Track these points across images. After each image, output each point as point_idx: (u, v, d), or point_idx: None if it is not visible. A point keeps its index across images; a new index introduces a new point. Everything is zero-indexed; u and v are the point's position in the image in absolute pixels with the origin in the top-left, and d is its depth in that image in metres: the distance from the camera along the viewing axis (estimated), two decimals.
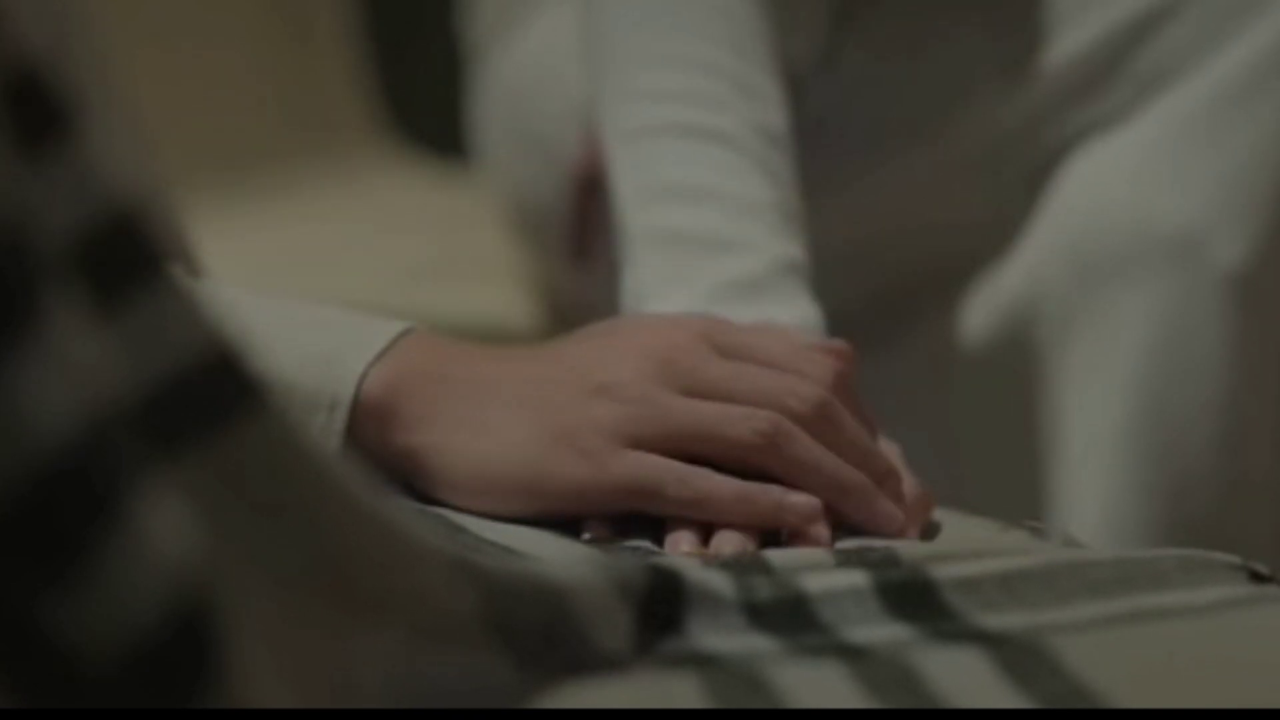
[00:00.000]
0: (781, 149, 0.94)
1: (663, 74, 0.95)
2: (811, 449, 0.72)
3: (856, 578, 0.61)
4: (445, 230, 1.64)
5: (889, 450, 0.78)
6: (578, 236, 1.27)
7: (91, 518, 0.39)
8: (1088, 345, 1.07)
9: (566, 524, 0.71)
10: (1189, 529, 1.06)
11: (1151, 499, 1.06)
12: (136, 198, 0.44)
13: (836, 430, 0.73)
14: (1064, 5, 1.08)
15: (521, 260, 1.43)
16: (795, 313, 0.86)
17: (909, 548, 0.68)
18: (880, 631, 0.59)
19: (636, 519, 0.72)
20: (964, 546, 0.70)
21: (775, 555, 0.65)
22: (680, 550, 0.70)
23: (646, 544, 0.71)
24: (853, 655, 0.57)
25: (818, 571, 0.62)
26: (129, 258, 0.44)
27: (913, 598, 0.60)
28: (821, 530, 0.71)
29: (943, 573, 0.61)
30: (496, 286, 1.49)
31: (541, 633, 0.53)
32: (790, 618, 0.59)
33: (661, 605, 0.58)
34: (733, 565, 0.62)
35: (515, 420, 0.71)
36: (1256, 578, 0.64)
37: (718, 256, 0.88)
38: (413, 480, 0.72)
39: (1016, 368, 1.11)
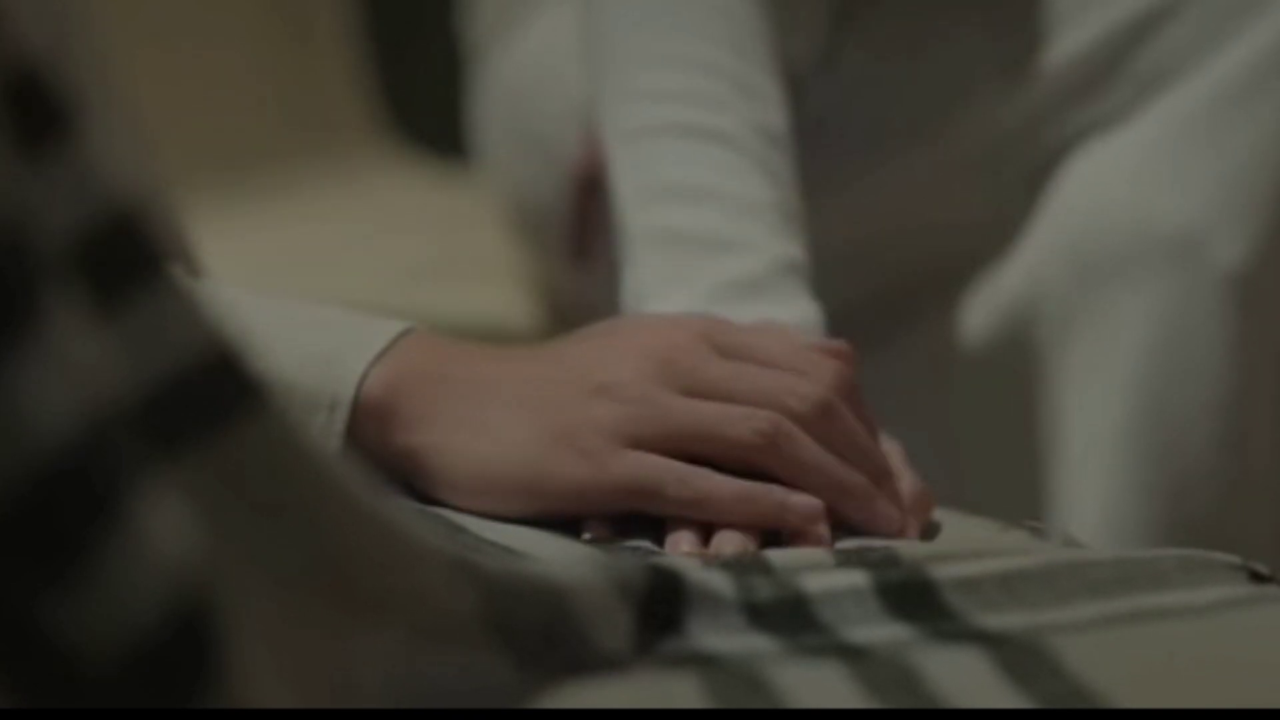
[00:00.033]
0: (781, 149, 0.94)
1: (663, 74, 0.95)
2: (811, 449, 0.72)
3: (856, 578, 0.61)
4: (445, 230, 1.64)
5: (890, 450, 0.78)
6: (578, 236, 1.27)
7: (91, 518, 0.39)
8: (1088, 345, 1.07)
9: (566, 524, 0.71)
10: (1189, 529, 1.06)
11: (1151, 499, 1.06)
12: (136, 198, 0.44)
13: (836, 430, 0.73)
14: (1064, 5, 1.08)
15: (521, 260, 1.43)
16: (795, 312, 0.86)
17: (909, 548, 0.68)
18: (880, 631, 0.59)
19: (637, 519, 0.72)
20: (964, 546, 0.70)
21: (775, 555, 0.65)
22: (680, 550, 0.70)
23: (647, 544, 0.71)
24: (853, 655, 0.57)
25: (818, 571, 0.62)
26: (129, 258, 0.44)
27: (913, 598, 0.60)
28: (822, 530, 0.71)
29: (943, 573, 0.61)
30: (496, 286, 1.49)
31: (541, 633, 0.53)
32: (790, 618, 0.59)
33: (661, 605, 0.58)
34: (733, 565, 0.62)
35: (515, 420, 0.71)
36: (1257, 578, 0.64)
37: (718, 256, 0.88)
38: (413, 480, 0.72)
39: (1016, 368, 1.11)
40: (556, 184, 1.27)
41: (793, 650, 0.57)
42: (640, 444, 0.71)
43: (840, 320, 0.90)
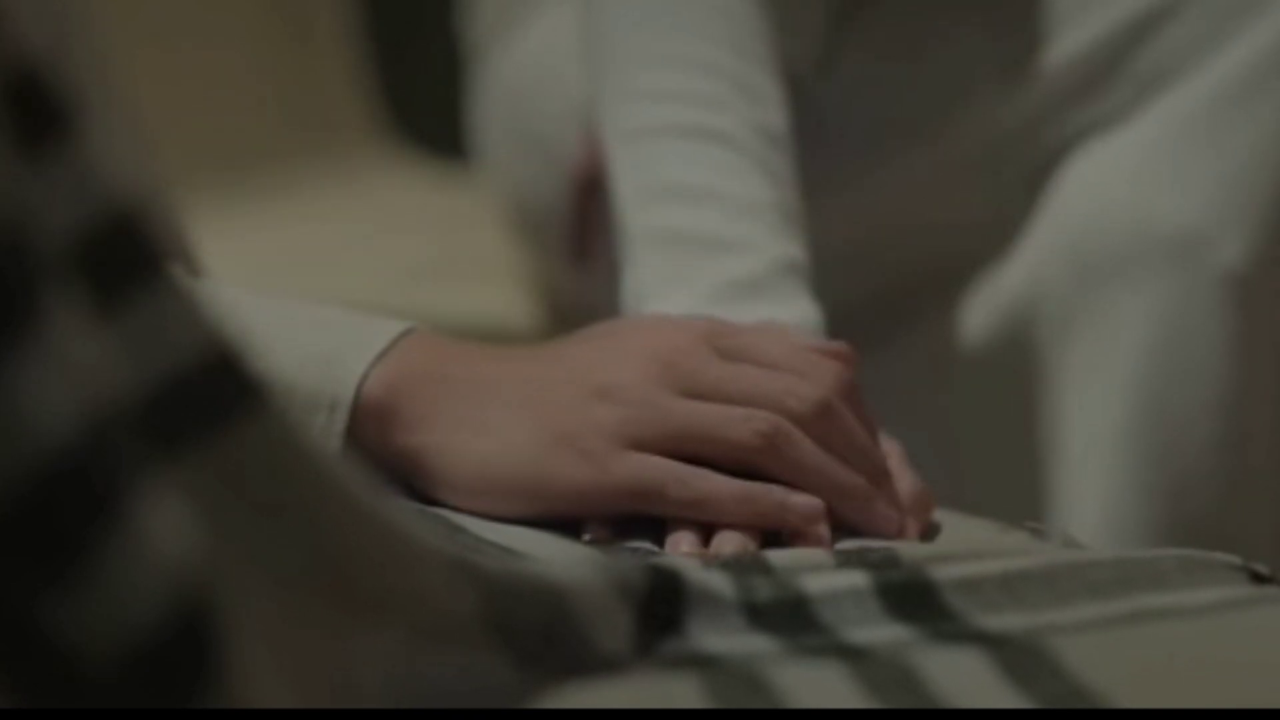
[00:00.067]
0: (781, 149, 0.94)
1: (663, 74, 0.95)
2: (811, 450, 0.72)
3: (857, 578, 0.61)
4: (445, 230, 1.64)
5: (890, 450, 0.78)
6: (578, 237, 1.27)
7: (91, 518, 0.39)
8: (1088, 345, 1.07)
9: (567, 525, 0.71)
10: (1189, 529, 1.06)
11: (1151, 499, 1.06)
12: (136, 198, 0.44)
13: (836, 431, 0.73)
14: (1064, 5, 1.08)
15: (521, 260, 1.43)
16: (795, 312, 0.86)
17: (909, 548, 0.68)
18: (880, 632, 0.59)
19: (637, 520, 0.72)
20: (964, 547, 0.70)
21: (775, 556, 0.65)
22: (680, 551, 0.70)
23: (647, 545, 0.71)
24: (853, 656, 0.57)
25: (818, 572, 0.62)
26: (129, 258, 0.44)
27: (913, 598, 0.60)
28: (822, 531, 0.71)
29: (943, 573, 0.61)
30: (496, 286, 1.49)
31: (541, 633, 0.53)
32: (790, 618, 0.59)
33: (662, 606, 0.58)
34: (733, 566, 0.62)
35: (516, 421, 0.71)
36: (1257, 578, 0.64)
37: (718, 256, 0.88)
38: (413, 480, 0.72)
39: (1016, 368, 1.11)
40: (556, 184, 1.27)
41: (793, 651, 0.57)
42: (641, 445, 0.71)
43: (840, 320, 0.91)
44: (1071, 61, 1.08)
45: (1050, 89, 1.09)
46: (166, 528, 0.40)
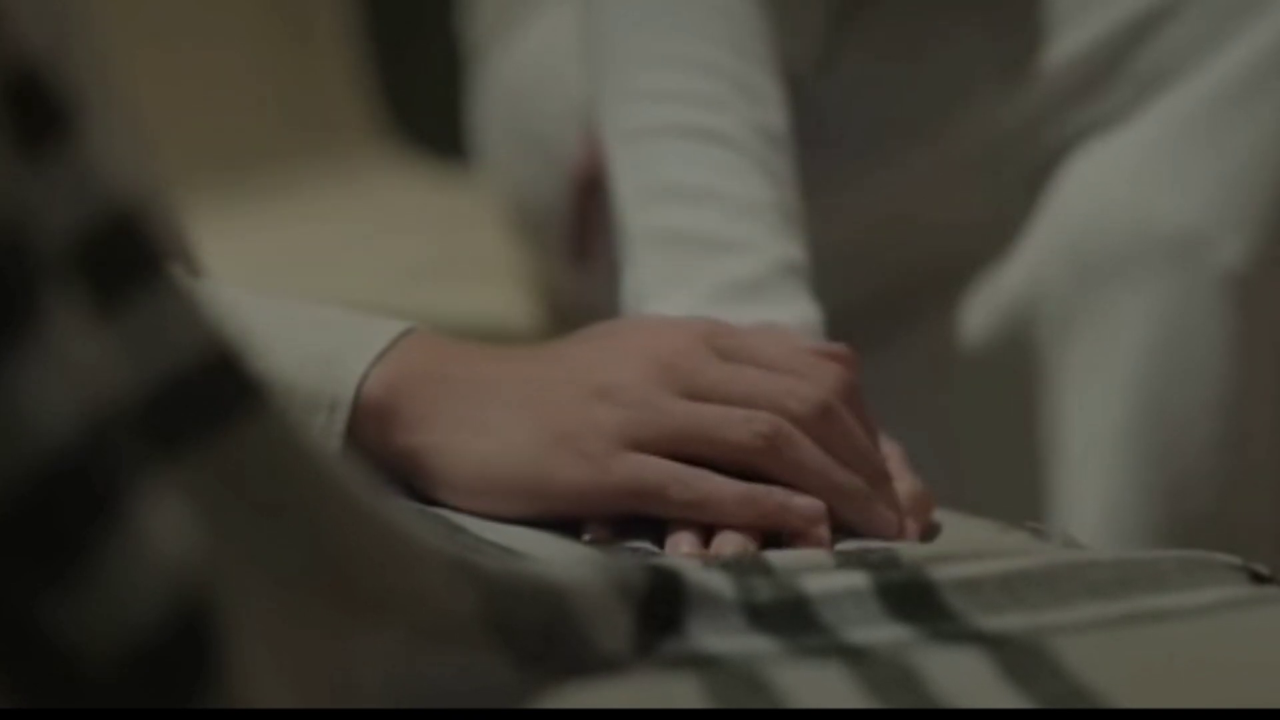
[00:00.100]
0: (781, 149, 0.94)
1: (663, 74, 0.95)
2: (811, 452, 0.72)
3: (857, 579, 0.61)
4: (445, 230, 1.64)
5: (890, 452, 0.78)
6: (578, 237, 1.27)
7: (91, 518, 0.39)
8: (1088, 345, 1.07)
9: (567, 525, 0.71)
10: (1189, 529, 1.06)
11: (1151, 499, 1.06)
12: (136, 198, 0.44)
13: (836, 433, 0.73)
14: (1064, 5, 1.08)
15: (521, 260, 1.43)
16: (795, 313, 0.86)
17: (909, 549, 0.68)
18: (881, 632, 0.59)
19: (637, 520, 0.72)
20: (964, 548, 0.70)
21: (775, 556, 0.65)
22: (680, 551, 0.70)
23: (647, 545, 0.71)
24: (853, 656, 0.57)
25: (818, 573, 0.62)
26: (129, 258, 0.44)
27: (913, 599, 0.60)
28: (822, 532, 0.71)
29: (943, 574, 0.61)
30: (496, 286, 1.49)
31: (541, 633, 0.53)
32: (791, 619, 0.59)
33: (662, 606, 0.58)
34: (733, 566, 0.62)
35: (516, 421, 0.71)
36: (1257, 578, 0.64)
37: (718, 257, 0.88)
38: (413, 480, 0.72)
39: (1016, 368, 1.11)
40: (556, 184, 1.27)
41: (793, 651, 0.57)
42: (641, 446, 0.71)
43: (840, 320, 0.90)
44: (1071, 61, 1.08)
45: (1050, 89, 1.09)
46: (166, 528, 0.40)
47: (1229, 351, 1.05)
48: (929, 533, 0.76)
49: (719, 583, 0.60)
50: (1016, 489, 1.11)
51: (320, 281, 1.48)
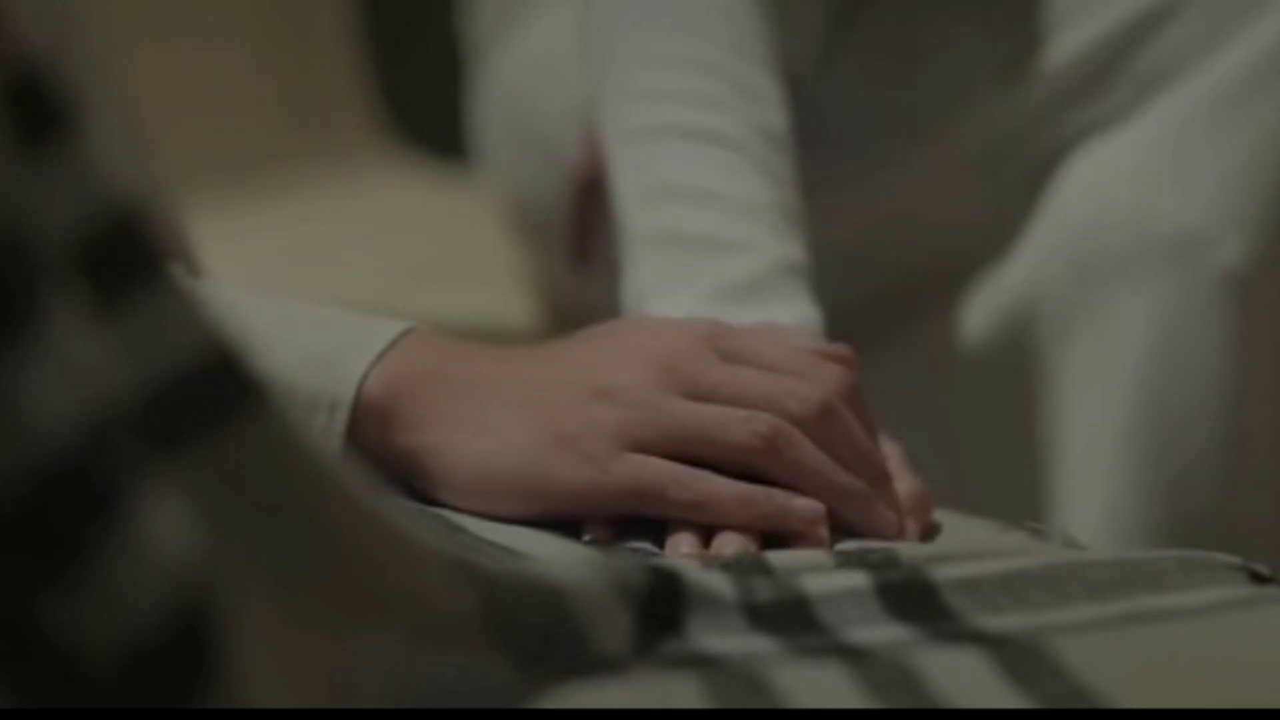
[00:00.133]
0: (781, 149, 0.94)
1: (663, 74, 0.95)
2: (811, 453, 0.72)
3: (857, 579, 0.61)
4: (445, 230, 1.64)
5: (890, 452, 0.78)
6: (578, 237, 1.27)
7: (91, 518, 0.39)
8: (1088, 345, 1.07)
9: (567, 525, 0.71)
10: (1189, 528, 1.06)
11: (1151, 499, 1.06)
12: (136, 198, 0.44)
13: (836, 433, 0.73)
14: (1064, 5, 1.08)
15: (521, 260, 1.43)
16: (795, 314, 0.86)
17: (909, 549, 0.68)
18: (880, 632, 0.59)
19: (637, 521, 0.72)
20: (964, 548, 0.70)
21: (775, 557, 0.65)
22: (680, 552, 0.70)
23: (647, 545, 0.71)
24: (853, 656, 0.57)
25: (818, 573, 0.62)
26: (129, 258, 0.44)
27: (913, 599, 0.60)
28: (822, 532, 0.71)
29: (943, 574, 0.61)
30: (496, 286, 1.49)
31: (541, 633, 0.53)
32: (791, 619, 0.59)
33: (661, 606, 0.58)
34: (733, 566, 0.62)
35: (516, 421, 0.71)
36: (1257, 579, 0.64)
37: (718, 257, 0.88)
38: (413, 480, 0.72)
39: (1016, 368, 1.11)
40: (556, 184, 1.27)
41: (793, 651, 0.57)
42: (641, 447, 0.71)
43: (840, 320, 0.91)
44: (1071, 61, 1.08)
45: (1050, 89, 1.09)
46: (166, 528, 0.40)
47: (1229, 351, 1.05)
48: (929, 533, 0.76)
49: (719, 583, 0.60)
50: (1016, 489, 1.11)
51: (320, 281, 1.48)
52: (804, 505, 0.71)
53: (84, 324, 0.41)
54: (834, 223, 1.08)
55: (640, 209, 0.91)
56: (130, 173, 0.44)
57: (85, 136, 0.44)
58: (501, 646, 0.52)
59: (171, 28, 1.68)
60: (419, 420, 0.71)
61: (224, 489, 0.45)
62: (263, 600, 0.46)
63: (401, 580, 0.50)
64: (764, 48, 0.97)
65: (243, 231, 1.54)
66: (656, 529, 0.72)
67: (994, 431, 1.13)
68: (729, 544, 0.70)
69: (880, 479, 0.75)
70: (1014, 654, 0.56)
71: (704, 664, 0.56)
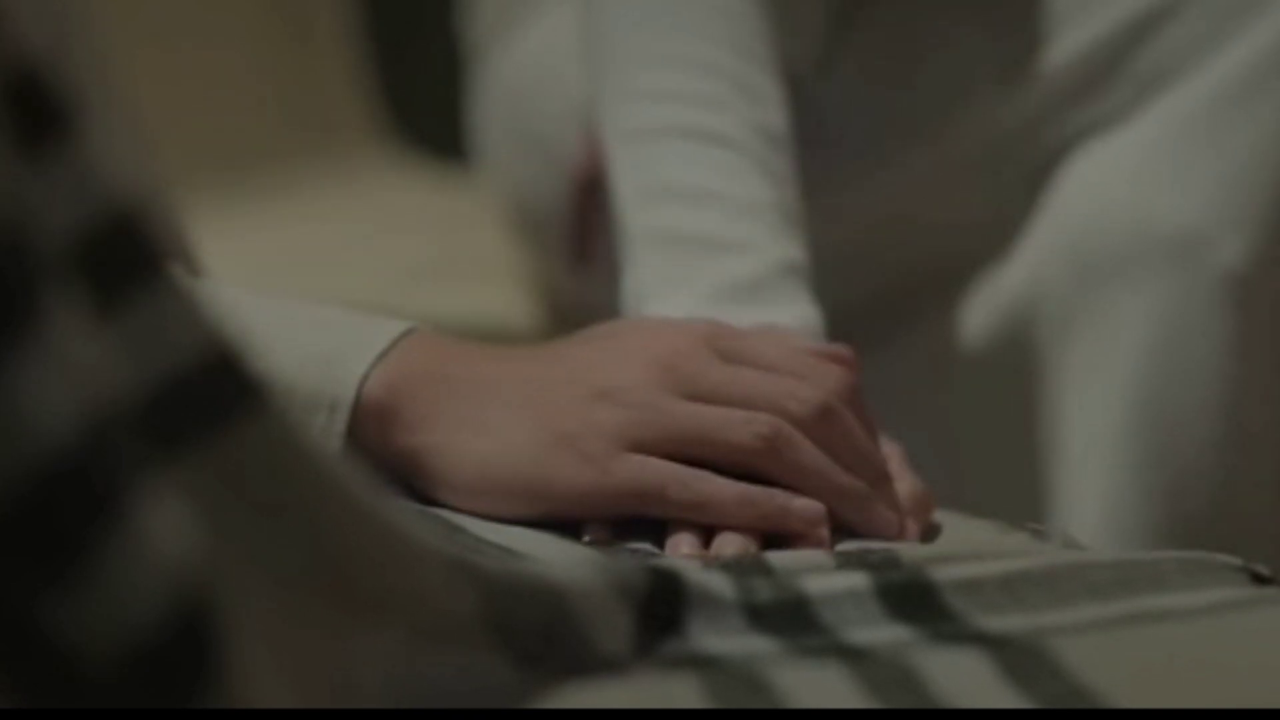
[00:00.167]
0: (781, 149, 0.94)
1: (663, 74, 0.95)
2: (811, 453, 0.72)
3: (857, 580, 0.61)
4: (445, 230, 1.64)
5: (890, 453, 0.78)
6: (578, 237, 1.27)
7: (91, 518, 0.39)
8: (1088, 345, 1.07)
9: (567, 525, 0.71)
10: (1189, 529, 1.06)
11: (1151, 499, 1.06)
12: (136, 198, 0.44)
13: (836, 434, 0.73)
14: (1064, 5, 1.08)
15: (521, 260, 1.43)
16: (795, 314, 0.86)
17: (909, 550, 0.68)
18: (881, 633, 0.59)
19: (637, 521, 0.72)
20: (965, 548, 0.70)
21: (776, 557, 0.65)
22: (680, 552, 0.70)
23: (647, 546, 0.71)
24: (853, 657, 0.57)
25: (818, 573, 0.62)
26: (129, 258, 0.44)
27: (913, 599, 0.60)
28: (823, 533, 0.71)
29: (943, 574, 0.61)
30: (496, 286, 1.49)
31: (541, 633, 0.53)
32: (791, 619, 0.59)
33: (661, 607, 0.58)
34: (733, 567, 0.62)
35: (516, 421, 0.71)
36: (1257, 579, 0.64)
37: (718, 257, 0.88)
38: (413, 481, 0.72)
39: (1016, 368, 1.11)
40: (556, 184, 1.27)
41: (793, 651, 0.57)
42: (642, 448, 0.71)
43: (840, 320, 0.90)
44: (1071, 61, 1.08)
45: (1050, 89, 1.09)
46: (166, 528, 0.40)
47: (1228, 351, 1.05)
48: (929, 533, 0.76)
49: (719, 583, 0.60)
50: (1016, 489, 1.11)
51: (320, 281, 1.48)
52: (804, 506, 0.71)
53: (84, 324, 0.41)
54: (834, 223, 1.08)
55: (640, 209, 0.91)
56: (130, 173, 0.44)
57: (85, 136, 0.44)
58: (501, 647, 0.52)
59: (171, 28, 1.68)
60: (419, 420, 0.71)
61: (224, 489, 0.45)
62: (263, 600, 0.46)
63: (401, 580, 0.50)
64: (764, 48, 0.97)
65: (243, 231, 1.54)
66: (657, 529, 0.72)
67: (994, 431, 1.13)
68: (729, 544, 0.70)
69: (880, 479, 0.75)
70: (1014, 654, 0.56)
71: (704, 664, 0.56)
